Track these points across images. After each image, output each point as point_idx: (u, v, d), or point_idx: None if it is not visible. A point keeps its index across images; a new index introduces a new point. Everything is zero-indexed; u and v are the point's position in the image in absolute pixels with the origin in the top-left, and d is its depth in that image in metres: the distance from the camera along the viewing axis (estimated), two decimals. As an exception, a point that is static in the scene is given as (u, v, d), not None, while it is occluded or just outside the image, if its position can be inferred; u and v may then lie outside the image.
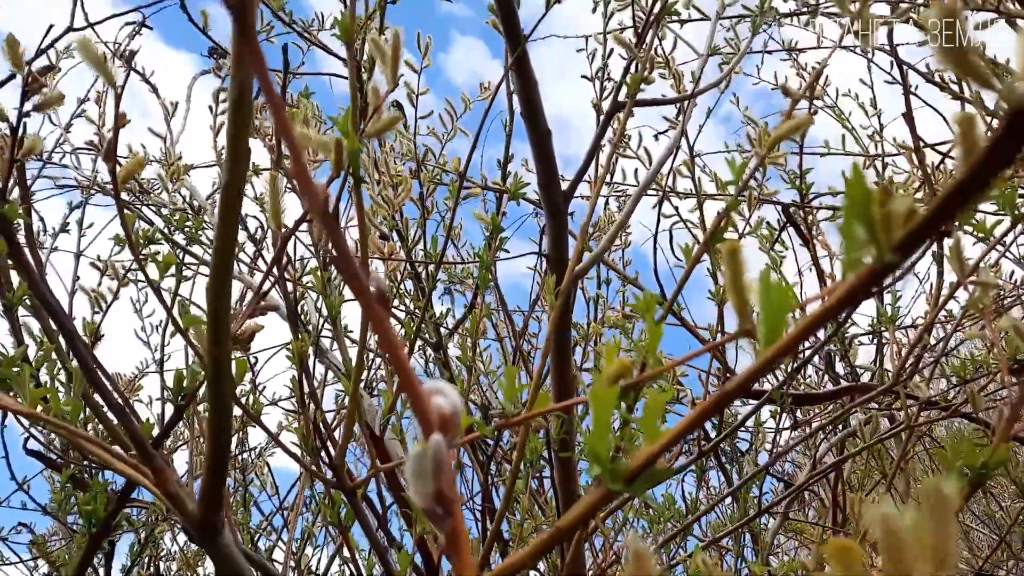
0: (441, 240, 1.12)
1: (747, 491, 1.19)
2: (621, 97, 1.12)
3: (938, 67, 1.72)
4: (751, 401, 1.79)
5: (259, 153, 1.97)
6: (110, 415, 0.67)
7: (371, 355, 1.41)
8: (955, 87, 1.74)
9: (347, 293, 1.46)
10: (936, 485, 0.27)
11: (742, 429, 1.51)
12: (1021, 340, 0.68)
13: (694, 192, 1.71)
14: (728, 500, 1.61)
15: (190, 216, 1.18)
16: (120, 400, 0.54)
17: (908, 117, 1.65)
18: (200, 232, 1.23)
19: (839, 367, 1.69)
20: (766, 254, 1.69)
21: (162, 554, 1.86)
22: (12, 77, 0.82)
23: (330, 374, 1.56)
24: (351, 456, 2.23)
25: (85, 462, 1.24)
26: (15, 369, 0.61)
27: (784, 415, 1.35)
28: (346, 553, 1.06)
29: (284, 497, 1.90)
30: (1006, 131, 0.24)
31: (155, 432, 0.65)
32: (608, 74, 1.63)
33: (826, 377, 1.70)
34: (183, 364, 1.99)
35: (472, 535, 1.35)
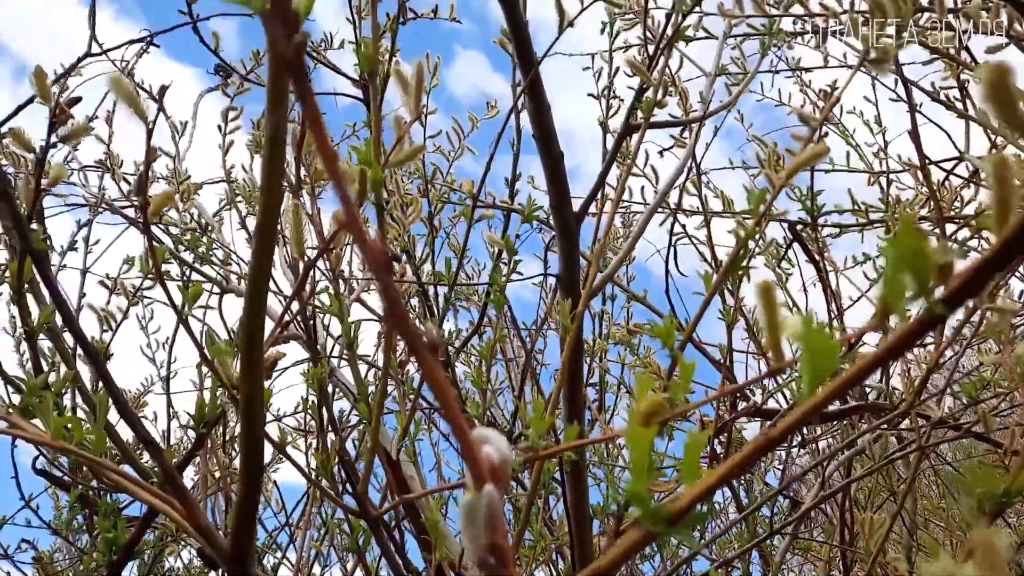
0: (454, 262, 1.13)
1: (757, 511, 1.19)
2: (630, 119, 1.13)
3: (943, 85, 1.74)
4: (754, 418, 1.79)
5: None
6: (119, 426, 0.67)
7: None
8: (960, 105, 1.75)
9: (355, 310, 1.45)
10: (987, 538, 0.27)
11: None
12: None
13: (701, 210, 1.71)
14: (733, 515, 1.61)
15: (201, 237, 1.18)
16: (147, 432, 0.54)
17: (914, 135, 1.65)
18: (211, 253, 1.23)
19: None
20: (772, 271, 1.69)
21: (165, 570, 1.86)
22: (30, 101, 0.83)
23: (336, 390, 1.56)
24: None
25: (93, 482, 1.24)
26: (37, 398, 0.61)
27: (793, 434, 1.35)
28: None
29: (291, 513, 1.89)
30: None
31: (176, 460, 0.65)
32: (614, 92, 1.64)
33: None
34: (188, 380, 1.99)
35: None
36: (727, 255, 1.09)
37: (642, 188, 1.77)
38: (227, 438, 1.45)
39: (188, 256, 1.38)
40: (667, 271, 1.56)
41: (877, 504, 1.73)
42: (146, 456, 1.35)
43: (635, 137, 0.94)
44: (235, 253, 1.43)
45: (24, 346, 1.56)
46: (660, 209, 1.58)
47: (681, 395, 0.46)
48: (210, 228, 1.56)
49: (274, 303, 1.13)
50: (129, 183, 1.53)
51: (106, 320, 1.29)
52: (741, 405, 1.51)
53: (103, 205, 1.51)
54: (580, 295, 1.11)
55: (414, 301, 1.60)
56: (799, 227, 1.57)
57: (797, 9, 1.13)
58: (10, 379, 0.80)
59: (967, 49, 1.48)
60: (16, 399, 0.98)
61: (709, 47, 1.64)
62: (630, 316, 2.16)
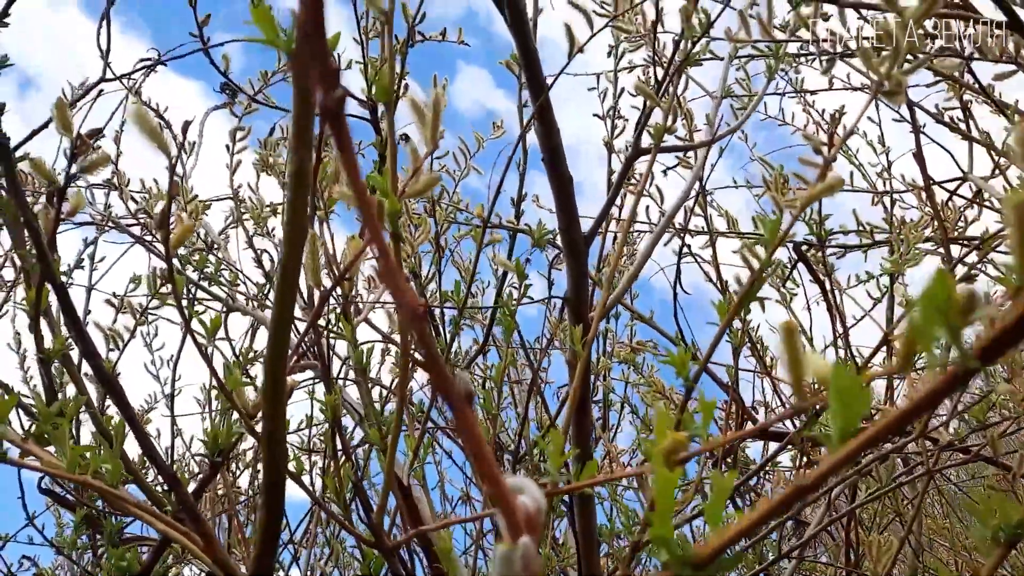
0: (461, 283, 1.13)
1: (767, 537, 1.19)
2: (639, 143, 1.13)
3: (947, 106, 1.75)
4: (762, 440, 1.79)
5: (275, 190, 1.98)
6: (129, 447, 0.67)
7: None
8: (963, 126, 1.76)
9: (361, 330, 1.45)
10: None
11: (753, 466, 1.51)
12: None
13: (707, 230, 1.72)
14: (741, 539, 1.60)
15: (208, 257, 1.19)
16: (168, 466, 0.54)
17: (918, 156, 1.66)
18: (219, 273, 1.23)
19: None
20: (777, 291, 1.70)
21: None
22: (45, 126, 0.83)
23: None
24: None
25: (99, 502, 1.24)
26: (54, 426, 0.61)
27: (802, 456, 1.35)
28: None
29: (294, 531, 1.88)
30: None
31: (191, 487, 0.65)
32: (619, 112, 1.65)
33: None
34: (192, 397, 1.98)
35: None
36: (734, 277, 1.10)
37: (647, 208, 1.78)
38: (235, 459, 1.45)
39: (194, 274, 1.38)
40: (675, 295, 1.56)
41: (883, 525, 1.72)
42: (152, 473, 1.35)
43: (649, 166, 0.95)
44: (242, 272, 1.43)
45: (28, 362, 1.56)
46: (666, 230, 1.58)
47: (704, 432, 0.46)
48: (216, 246, 1.56)
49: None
50: (136, 201, 1.54)
51: (113, 340, 1.29)
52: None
53: (110, 223, 1.52)
54: (587, 316, 1.11)
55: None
56: (804, 248, 1.57)
57: (803, 34, 1.13)
58: (25, 406, 0.80)
59: (971, 71, 1.49)
60: (27, 419, 0.98)
61: (713, 66, 1.65)
62: (633, 334, 2.16)
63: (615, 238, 1.88)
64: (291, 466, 0.70)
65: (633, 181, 1.57)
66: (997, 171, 1.78)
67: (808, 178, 0.73)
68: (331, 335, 0.90)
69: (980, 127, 1.75)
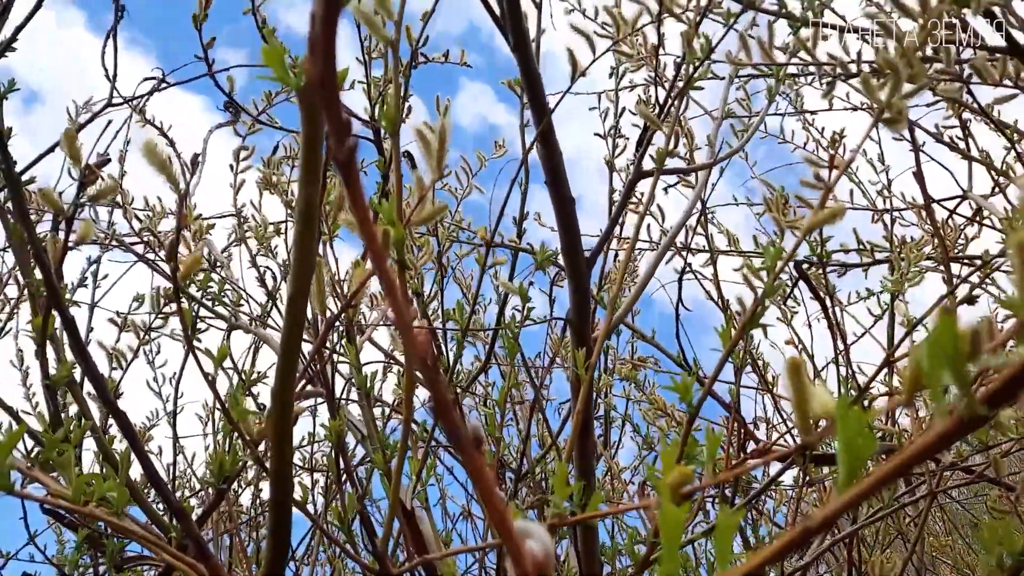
0: (462, 301, 1.13)
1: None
2: (641, 164, 1.14)
3: (946, 125, 1.75)
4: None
5: (277, 208, 1.98)
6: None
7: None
8: (962, 145, 1.77)
9: (365, 350, 1.45)
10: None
11: (756, 485, 1.51)
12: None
13: (708, 248, 1.72)
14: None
15: (211, 275, 1.19)
16: (177, 501, 0.54)
17: (918, 175, 1.67)
18: (223, 294, 1.24)
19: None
20: (778, 308, 1.70)
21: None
22: (51, 150, 0.84)
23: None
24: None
25: (100, 523, 1.24)
26: (59, 452, 0.61)
27: (804, 475, 1.34)
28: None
29: (295, 548, 1.88)
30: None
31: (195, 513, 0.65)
32: (620, 131, 1.65)
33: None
34: (195, 415, 1.98)
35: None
36: (735, 297, 1.10)
37: (648, 226, 1.79)
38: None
39: (197, 292, 1.39)
40: (677, 315, 1.56)
41: (885, 544, 1.72)
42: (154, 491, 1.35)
43: (652, 188, 0.95)
44: (245, 291, 1.43)
45: (31, 379, 1.56)
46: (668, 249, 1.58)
47: (710, 464, 0.46)
48: (219, 265, 1.56)
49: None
50: (140, 220, 1.54)
51: (116, 359, 1.29)
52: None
53: (114, 241, 1.52)
54: (589, 337, 1.11)
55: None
56: (805, 266, 1.58)
57: (804, 55, 1.14)
58: (30, 431, 0.80)
59: (971, 92, 1.50)
60: (31, 441, 0.98)
61: (714, 85, 1.66)
62: (635, 351, 2.16)
63: (616, 256, 1.89)
64: (296, 491, 0.70)
65: (634, 200, 1.58)
66: (997, 189, 1.79)
67: (809, 199, 0.73)
68: (335, 357, 0.90)
69: (979, 146, 1.76)
